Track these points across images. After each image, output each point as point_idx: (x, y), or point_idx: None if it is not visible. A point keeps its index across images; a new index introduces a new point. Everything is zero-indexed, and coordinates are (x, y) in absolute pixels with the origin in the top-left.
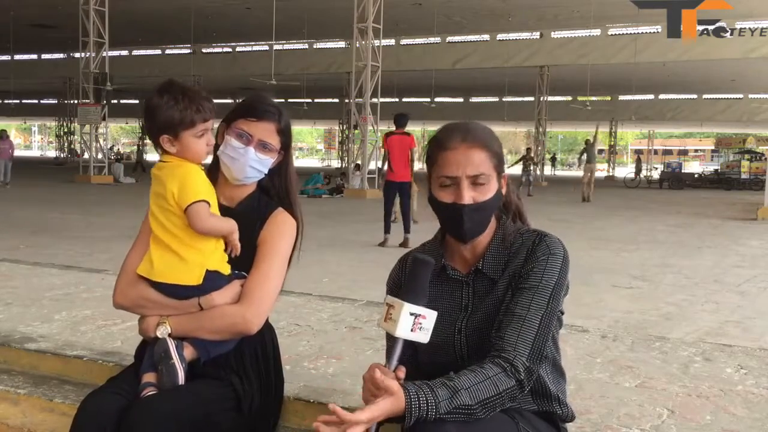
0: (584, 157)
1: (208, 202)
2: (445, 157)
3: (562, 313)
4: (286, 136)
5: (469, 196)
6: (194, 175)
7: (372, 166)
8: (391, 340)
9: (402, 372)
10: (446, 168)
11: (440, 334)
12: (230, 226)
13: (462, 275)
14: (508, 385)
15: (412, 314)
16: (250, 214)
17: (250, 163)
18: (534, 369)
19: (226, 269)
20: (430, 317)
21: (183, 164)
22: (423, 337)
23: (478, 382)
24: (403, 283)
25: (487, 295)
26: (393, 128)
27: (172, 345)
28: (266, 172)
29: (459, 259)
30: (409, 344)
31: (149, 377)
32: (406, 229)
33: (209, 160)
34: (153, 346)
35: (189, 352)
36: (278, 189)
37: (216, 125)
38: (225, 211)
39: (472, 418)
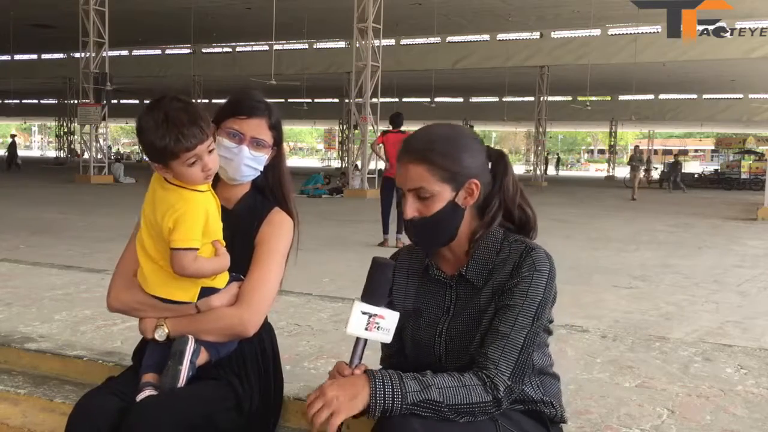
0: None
1: (196, 249)
2: (398, 169)
3: (551, 322)
4: (277, 131)
5: (413, 209)
6: (191, 218)
7: (372, 166)
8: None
9: (360, 370)
10: (397, 180)
11: (423, 334)
12: (217, 268)
13: (446, 277)
14: (483, 399)
15: (364, 313)
16: (248, 213)
17: (245, 162)
18: (515, 388)
19: (223, 283)
20: (389, 317)
21: (185, 202)
22: (384, 336)
23: (453, 386)
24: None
25: (470, 302)
26: (390, 128)
27: (189, 350)
28: (261, 169)
29: (443, 260)
30: (396, 340)
31: (149, 377)
32: (399, 229)
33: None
34: (154, 346)
35: (202, 357)
36: (272, 186)
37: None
38: (223, 211)
39: (439, 417)
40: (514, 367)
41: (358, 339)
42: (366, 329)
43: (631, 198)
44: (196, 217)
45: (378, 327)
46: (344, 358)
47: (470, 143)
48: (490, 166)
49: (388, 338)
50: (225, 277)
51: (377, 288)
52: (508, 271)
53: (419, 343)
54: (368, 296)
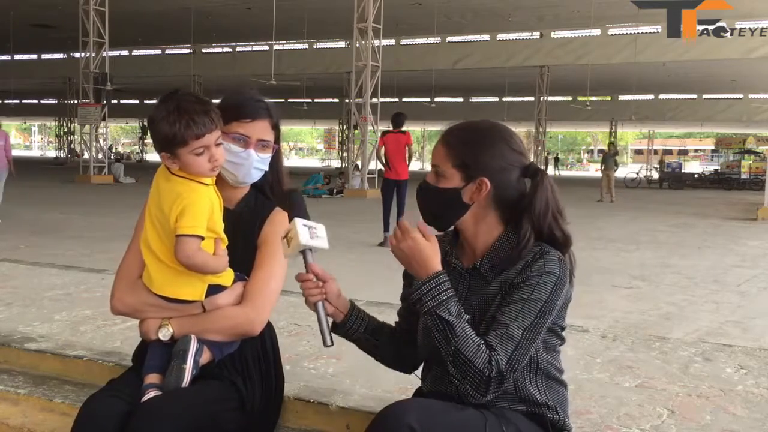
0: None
1: (201, 238)
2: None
3: (563, 329)
4: (278, 129)
5: (430, 178)
6: (199, 207)
7: (372, 166)
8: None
9: (319, 270)
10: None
11: None
12: (219, 266)
13: (462, 267)
14: (481, 366)
15: (305, 226)
16: (250, 214)
17: (254, 165)
18: (506, 379)
19: (229, 281)
20: (320, 228)
21: (192, 191)
22: (323, 243)
23: (472, 339)
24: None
25: (479, 292)
26: (391, 128)
27: (192, 349)
28: (267, 168)
29: (462, 252)
30: (410, 313)
31: (152, 378)
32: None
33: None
34: (156, 347)
35: (206, 357)
36: (271, 183)
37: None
38: (225, 212)
39: (445, 343)
40: (509, 359)
41: (304, 252)
42: (311, 238)
43: (599, 200)
44: (203, 207)
45: (317, 236)
46: (345, 358)
47: (500, 145)
48: (526, 180)
49: (325, 244)
50: (231, 274)
51: (302, 213)
52: (519, 268)
53: (429, 328)
54: (298, 215)
